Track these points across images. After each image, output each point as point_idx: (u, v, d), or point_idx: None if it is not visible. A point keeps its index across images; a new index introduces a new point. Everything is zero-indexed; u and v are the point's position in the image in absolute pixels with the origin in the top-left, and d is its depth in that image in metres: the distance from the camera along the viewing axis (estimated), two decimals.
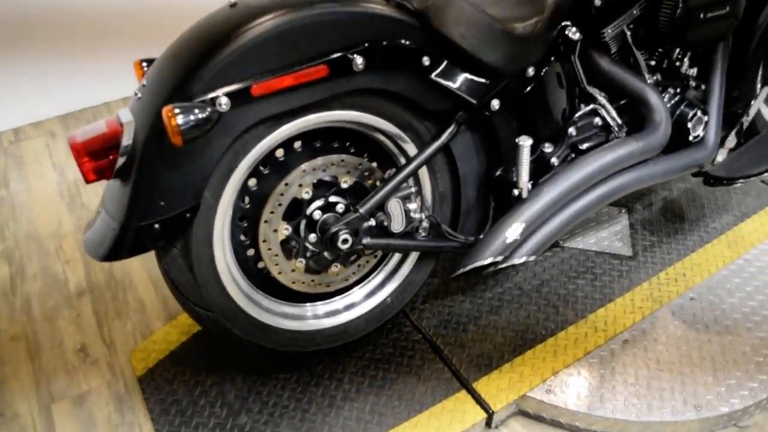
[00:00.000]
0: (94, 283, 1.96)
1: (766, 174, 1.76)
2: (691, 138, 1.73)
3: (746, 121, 1.90)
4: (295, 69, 1.19)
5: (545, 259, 1.90)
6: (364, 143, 1.47)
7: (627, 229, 2.01)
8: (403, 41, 1.27)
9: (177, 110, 1.09)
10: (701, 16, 1.57)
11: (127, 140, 1.18)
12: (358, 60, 1.22)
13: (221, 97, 1.14)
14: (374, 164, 1.49)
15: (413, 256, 1.61)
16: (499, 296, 1.79)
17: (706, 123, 1.75)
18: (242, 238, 1.44)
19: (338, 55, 1.22)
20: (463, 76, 1.36)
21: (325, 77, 1.22)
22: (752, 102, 1.88)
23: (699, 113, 1.71)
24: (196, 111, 1.11)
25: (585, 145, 1.63)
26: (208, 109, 1.12)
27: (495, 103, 1.41)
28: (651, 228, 2.02)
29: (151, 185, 1.19)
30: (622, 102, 1.68)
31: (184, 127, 1.09)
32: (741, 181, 1.75)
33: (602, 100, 1.63)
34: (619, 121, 1.66)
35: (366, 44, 1.23)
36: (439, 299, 1.78)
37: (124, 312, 1.86)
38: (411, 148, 1.45)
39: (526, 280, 1.84)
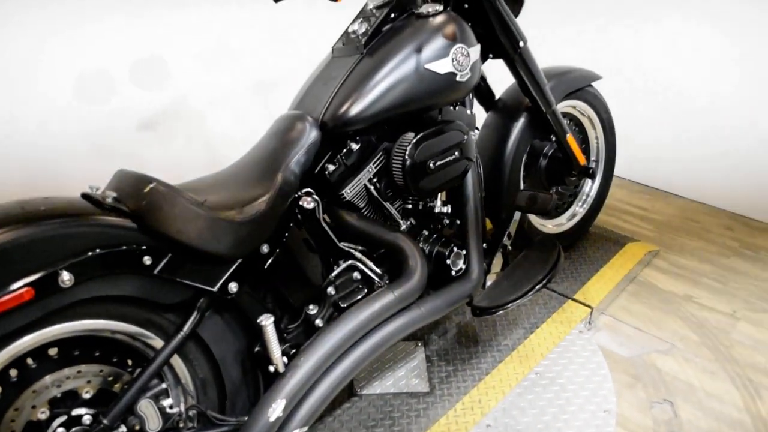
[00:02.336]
0: None
1: (530, 294, 1.85)
2: (453, 273, 1.81)
3: (508, 243, 2.01)
4: None
5: (343, 412, 1.87)
6: (113, 345, 1.41)
7: (423, 363, 2.03)
8: (114, 247, 1.25)
9: None
10: (431, 166, 1.68)
11: None
12: (65, 276, 1.18)
13: None
14: (129, 362, 1.42)
15: None
16: None
17: (466, 256, 1.84)
18: None
19: (41, 275, 1.17)
20: (190, 267, 1.34)
21: (32, 299, 1.17)
22: (508, 227, 2.00)
23: (455, 248, 1.79)
24: None
25: (348, 302, 1.65)
26: None
27: (233, 286, 1.40)
28: (447, 357, 2.06)
29: None
30: (382, 250, 1.74)
31: None
32: (504, 308, 1.83)
33: (358, 254, 1.67)
34: (379, 271, 1.70)
35: (72, 258, 1.20)
36: None
37: None
38: (157, 343, 1.40)
39: None
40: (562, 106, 2.38)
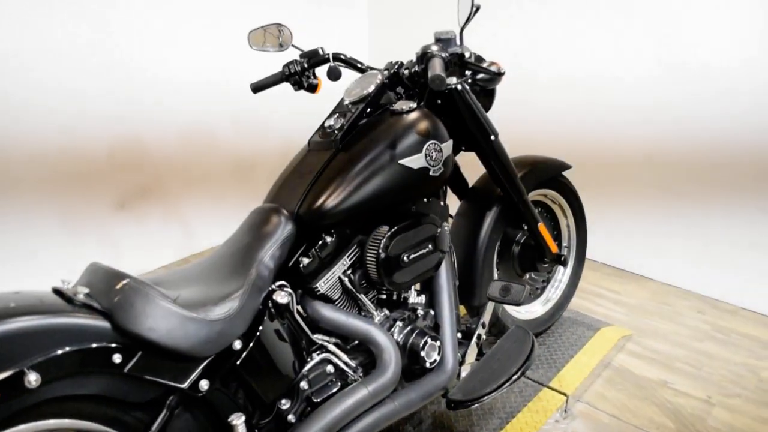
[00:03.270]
0: None
1: (505, 386, 1.85)
2: (428, 365, 1.80)
3: (483, 332, 2.02)
4: None
5: None
6: None
7: None
8: (84, 344, 1.23)
9: None
10: (405, 259, 1.70)
11: None
12: (32, 377, 1.15)
13: None
14: None
15: None
16: None
17: (440, 347, 1.84)
18: None
19: (7, 375, 1.14)
20: (161, 365, 1.32)
21: None
22: (482, 317, 2.01)
23: (430, 340, 1.79)
24: None
25: (321, 396, 1.62)
26: None
27: (203, 384, 1.38)
28: None
29: None
30: (356, 342, 1.73)
31: None
32: (479, 401, 1.81)
33: (332, 347, 1.66)
34: (353, 364, 1.69)
35: (40, 357, 1.17)
36: None
37: None
38: None
39: None
40: (534, 195, 2.44)
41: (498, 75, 1.83)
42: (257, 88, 2.08)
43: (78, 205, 3.08)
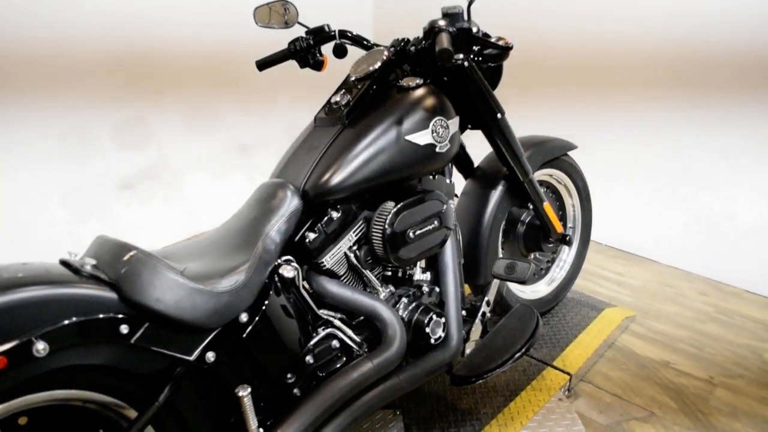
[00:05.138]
0: None
1: (509, 363, 1.85)
2: (433, 341, 1.81)
3: (487, 310, 2.02)
4: None
5: None
6: (85, 414, 1.38)
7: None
8: (91, 315, 1.23)
9: None
10: (410, 235, 1.70)
11: None
12: (39, 345, 1.16)
13: None
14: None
15: None
16: None
17: (445, 324, 1.84)
18: None
19: (15, 343, 1.15)
20: (168, 336, 1.33)
21: (4, 368, 1.14)
22: (486, 294, 2.01)
23: (435, 316, 1.80)
24: None
25: (326, 371, 1.63)
26: None
27: (210, 356, 1.38)
28: (426, 426, 2.03)
29: None
30: (362, 318, 1.74)
31: None
32: (483, 378, 1.82)
33: (337, 322, 1.67)
34: (358, 339, 1.70)
35: (48, 326, 1.18)
36: None
37: None
38: (131, 413, 1.37)
39: None
40: (539, 175, 2.44)
41: (506, 49, 1.82)
42: (262, 65, 2.07)
43: (80, 184, 3.09)
